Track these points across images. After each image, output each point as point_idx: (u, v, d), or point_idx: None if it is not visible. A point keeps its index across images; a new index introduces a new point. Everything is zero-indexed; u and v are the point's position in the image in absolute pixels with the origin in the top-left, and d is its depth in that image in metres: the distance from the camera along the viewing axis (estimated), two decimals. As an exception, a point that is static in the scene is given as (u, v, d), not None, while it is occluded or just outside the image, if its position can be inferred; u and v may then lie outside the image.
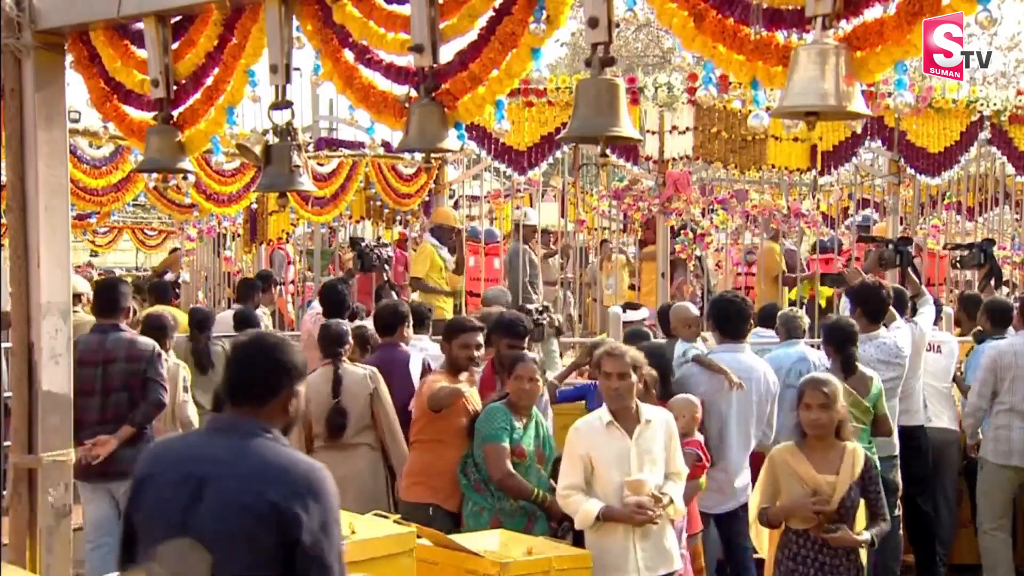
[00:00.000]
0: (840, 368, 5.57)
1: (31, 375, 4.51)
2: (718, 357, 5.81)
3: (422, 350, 6.58)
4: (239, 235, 11.94)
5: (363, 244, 8.80)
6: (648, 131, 8.47)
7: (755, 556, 5.51)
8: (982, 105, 9.53)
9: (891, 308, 6.30)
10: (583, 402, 6.09)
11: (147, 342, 5.90)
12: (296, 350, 2.95)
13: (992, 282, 8.63)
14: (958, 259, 9.25)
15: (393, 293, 7.98)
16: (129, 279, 12.85)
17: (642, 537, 4.53)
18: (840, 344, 5.63)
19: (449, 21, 3.68)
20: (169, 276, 12.66)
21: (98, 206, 8.45)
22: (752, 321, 6.42)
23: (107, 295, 6.02)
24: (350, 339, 5.95)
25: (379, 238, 11.95)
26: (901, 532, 6.29)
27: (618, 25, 3.65)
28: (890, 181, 10.60)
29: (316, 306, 7.35)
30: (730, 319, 5.89)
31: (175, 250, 13.05)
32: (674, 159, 8.69)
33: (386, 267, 8.36)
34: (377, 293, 8.57)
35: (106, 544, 5.72)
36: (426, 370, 6.15)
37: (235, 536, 2.66)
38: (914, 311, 6.78)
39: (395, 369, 6.08)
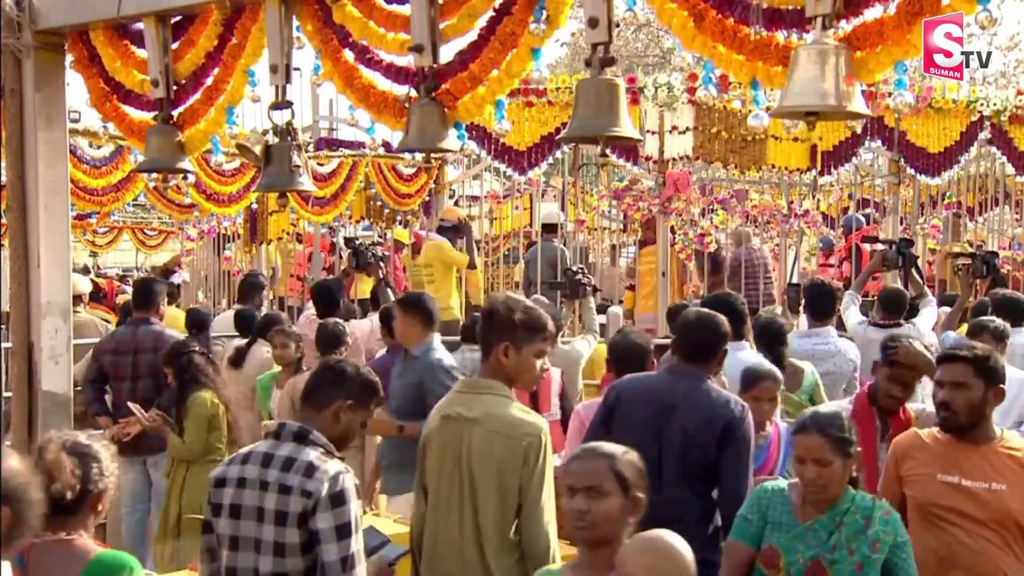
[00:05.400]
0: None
1: (31, 375, 4.51)
2: None
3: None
4: (239, 235, 11.91)
5: (357, 242, 8.75)
6: (648, 131, 8.45)
7: None
8: (982, 105, 9.51)
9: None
10: None
11: (173, 334, 6.34)
12: (725, 322, 4.04)
13: None
14: (958, 268, 9.17)
15: (389, 292, 7.91)
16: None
17: None
18: (770, 345, 5.52)
19: (449, 21, 3.69)
20: (176, 277, 12.62)
21: (98, 206, 8.43)
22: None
23: (142, 291, 6.61)
24: (348, 340, 5.90)
25: (384, 232, 11.82)
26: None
27: (618, 25, 3.64)
28: (890, 181, 10.58)
29: (311, 307, 7.33)
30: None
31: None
32: (674, 159, 8.67)
33: (381, 265, 8.29)
34: (373, 293, 8.48)
35: (140, 510, 6.24)
36: None
37: (692, 439, 3.84)
38: (913, 312, 6.76)
39: None
